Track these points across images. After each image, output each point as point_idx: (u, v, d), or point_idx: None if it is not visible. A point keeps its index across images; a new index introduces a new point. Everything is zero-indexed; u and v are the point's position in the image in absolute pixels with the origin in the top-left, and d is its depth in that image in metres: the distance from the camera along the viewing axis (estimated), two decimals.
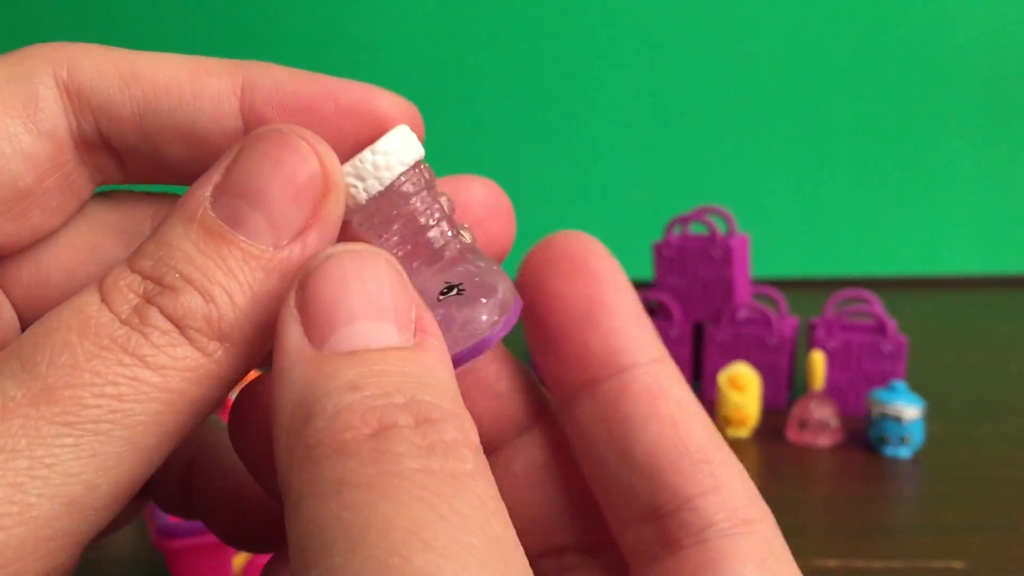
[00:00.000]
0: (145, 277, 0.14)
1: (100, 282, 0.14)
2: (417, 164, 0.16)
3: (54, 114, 0.16)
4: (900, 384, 0.63)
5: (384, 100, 0.17)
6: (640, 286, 0.85)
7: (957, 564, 0.47)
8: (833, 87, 1.31)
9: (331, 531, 0.11)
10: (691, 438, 0.16)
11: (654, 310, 0.78)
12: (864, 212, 1.34)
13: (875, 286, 0.83)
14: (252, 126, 0.16)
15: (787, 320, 0.74)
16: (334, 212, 0.15)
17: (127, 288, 0.14)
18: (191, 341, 0.14)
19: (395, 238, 0.16)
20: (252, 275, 0.14)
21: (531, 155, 1.38)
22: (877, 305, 0.70)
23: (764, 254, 1.03)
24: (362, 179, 0.16)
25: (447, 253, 0.16)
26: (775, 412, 0.70)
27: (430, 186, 0.16)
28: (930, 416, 0.65)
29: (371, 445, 0.12)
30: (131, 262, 0.15)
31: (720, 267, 0.74)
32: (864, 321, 0.72)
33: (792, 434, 0.66)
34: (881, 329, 0.70)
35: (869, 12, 1.29)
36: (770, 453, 0.64)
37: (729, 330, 0.73)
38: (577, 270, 0.17)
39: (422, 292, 0.16)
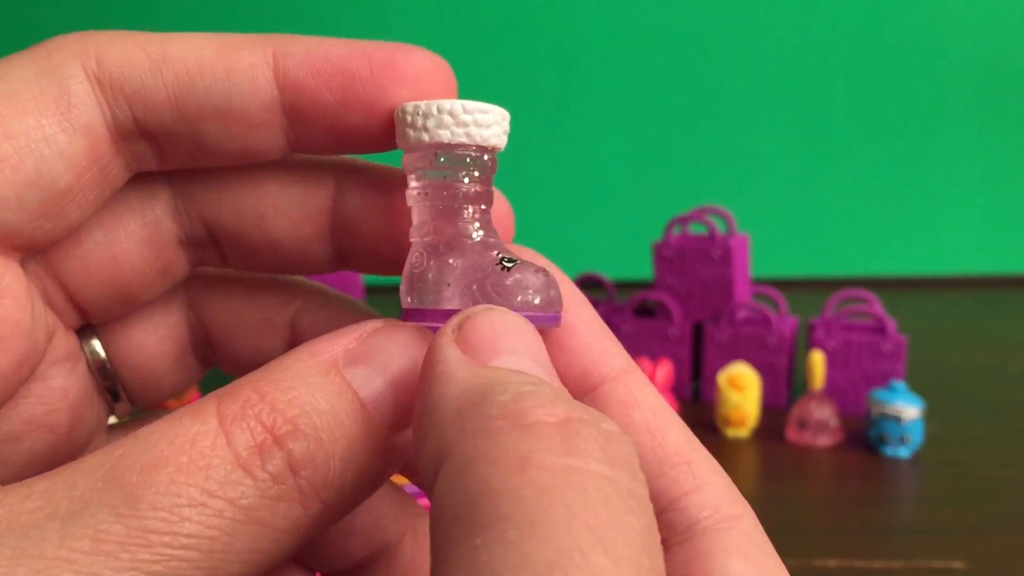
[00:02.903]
0: (277, 411, 0.14)
1: (219, 403, 0.14)
2: (496, 150, 0.17)
3: (88, 109, 0.16)
4: (900, 384, 0.63)
5: (417, 56, 0.17)
6: (640, 286, 0.85)
7: (957, 564, 0.47)
8: (833, 87, 1.31)
9: (509, 504, 0.11)
10: (668, 442, 0.16)
11: (654, 310, 0.78)
12: (864, 212, 1.34)
13: (875, 286, 0.83)
14: (288, 95, 0.16)
15: (787, 320, 0.74)
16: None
17: (256, 420, 0.14)
18: (300, 491, 0.13)
19: (442, 192, 0.17)
20: (367, 457, 0.14)
21: (531, 155, 1.38)
22: (877, 305, 0.70)
23: (764, 254, 1.03)
24: (462, 125, 0.16)
25: (477, 235, 0.17)
26: (775, 412, 0.70)
27: (492, 175, 0.17)
28: (929, 416, 0.65)
29: (559, 435, 0.11)
30: (262, 391, 0.14)
31: (720, 267, 0.74)
32: (864, 321, 0.72)
33: (792, 434, 0.66)
34: (881, 329, 0.70)
35: (869, 12, 1.29)
36: (770, 453, 0.64)
37: (729, 330, 0.73)
38: None
39: (511, 255, 0.16)
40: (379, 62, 0.16)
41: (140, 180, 0.18)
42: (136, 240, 0.19)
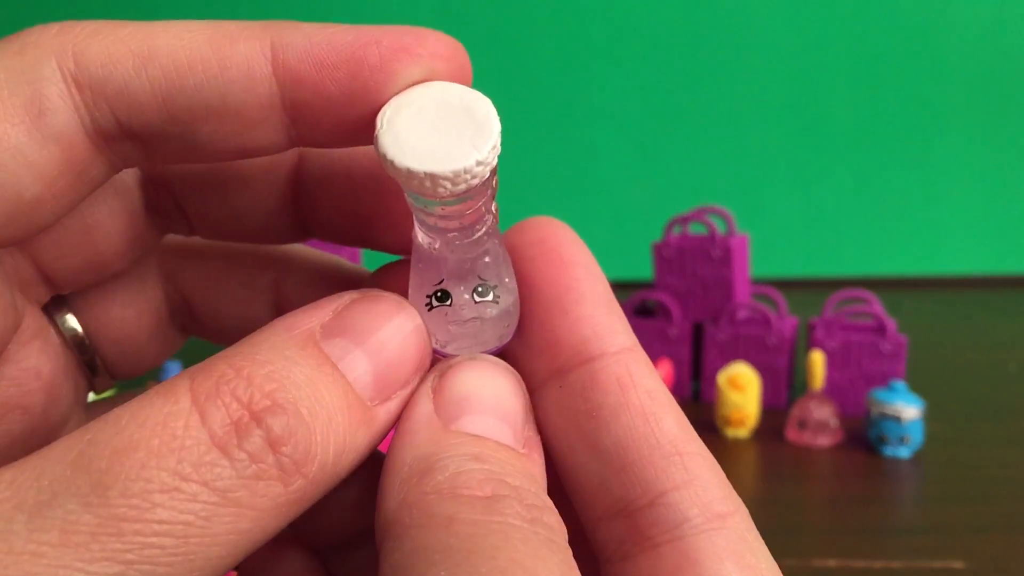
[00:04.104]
0: (254, 386, 0.13)
1: (192, 381, 0.13)
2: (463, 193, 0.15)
3: (62, 114, 0.14)
4: (899, 384, 0.63)
5: (431, 38, 0.16)
6: (640, 286, 0.85)
7: (957, 564, 0.47)
8: (833, 87, 1.31)
9: (438, 553, 0.12)
10: (662, 430, 0.15)
11: (654, 310, 0.78)
12: (864, 212, 1.34)
13: (875, 286, 0.83)
14: (289, 89, 0.15)
15: (787, 320, 0.74)
16: (414, 385, 0.16)
17: (232, 396, 0.13)
18: (280, 468, 0.13)
19: (419, 215, 0.16)
20: (347, 429, 0.14)
21: (531, 155, 1.38)
22: (876, 305, 0.70)
23: (764, 254, 1.03)
24: (455, 184, 0.14)
25: (480, 232, 0.16)
26: (775, 412, 0.70)
27: (494, 172, 0.16)
28: (930, 416, 0.65)
29: (483, 503, 0.13)
30: (237, 366, 0.13)
31: (720, 267, 0.74)
32: (863, 321, 0.72)
33: (792, 434, 0.66)
34: (880, 329, 0.70)
35: (869, 12, 1.29)
36: (770, 453, 0.64)
37: (729, 330, 0.73)
38: (547, 256, 0.17)
39: (453, 277, 0.16)
40: (389, 48, 0.15)
41: None
42: (108, 209, 0.18)
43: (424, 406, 0.15)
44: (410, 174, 0.14)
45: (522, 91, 1.38)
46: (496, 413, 0.15)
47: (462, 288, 0.16)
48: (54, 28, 0.15)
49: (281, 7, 1.41)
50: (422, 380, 0.15)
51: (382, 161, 0.15)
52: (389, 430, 0.15)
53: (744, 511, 0.15)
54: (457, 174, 0.14)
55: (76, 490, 0.12)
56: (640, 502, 0.15)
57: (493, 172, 0.16)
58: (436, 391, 0.15)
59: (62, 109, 0.14)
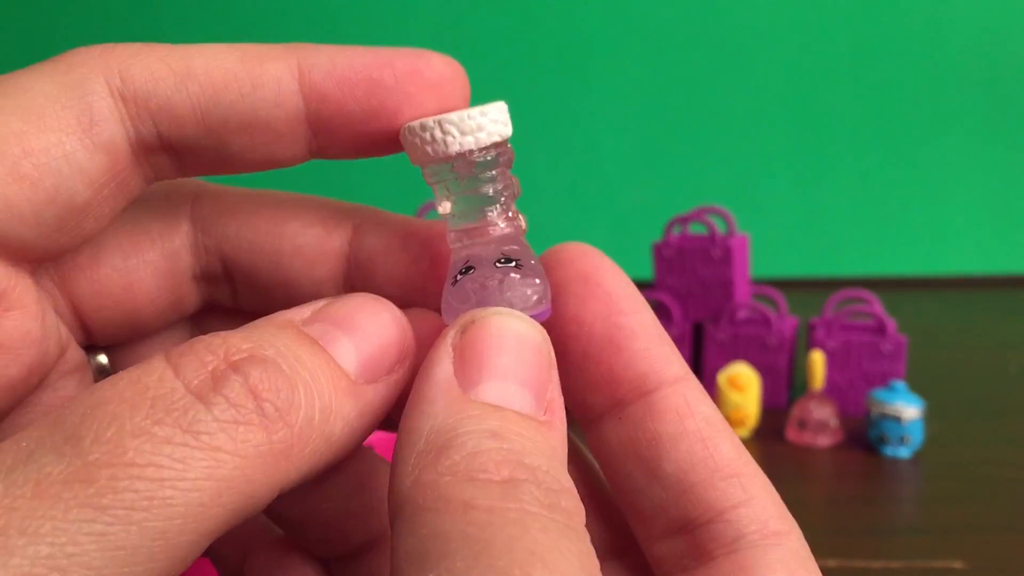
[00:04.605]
0: (230, 344, 0.14)
1: (168, 353, 0.13)
2: (506, 140, 0.17)
3: (110, 125, 0.16)
4: (900, 384, 0.63)
5: (437, 62, 0.17)
6: (640, 286, 0.85)
7: (957, 564, 0.47)
8: (833, 87, 1.31)
9: (454, 542, 0.12)
10: (720, 454, 0.16)
11: (654, 310, 0.78)
12: (864, 212, 1.34)
13: (875, 286, 0.83)
14: (313, 105, 0.16)
15: (787, 320, 0.74)
16: (405, 376, 0.16)
17: (207, 351, 0.13)
18: (262, 414, 0.13)
19: (463, 200, 0.17)
20: (331, 392, 0.14)
21: (531, 155, 1.38)
22: (877, 305, 0.70)
23: (764, 254, 1.03)
24: (463, 132, 0.16)
25: (502, 230, 0.17)
26: (775, 412, 0.70)
27: (508, 165, 0.17)
28: (930, 416, 0.65)
29: (499, 488, 0.13)
30: (217, 332, 0.14)
31: (720, 267, 0.74)
32: (864, 321, 0.72)
33: (792, 434, 0.66)
34: (881, 329, 0.70)
35: (869, 12, 1.29)
36: (770, 453, 0.64)
37: (729, 330, 0.73)
38: (593, 293, 0.17)
39: (479, 257, 0.17)
40: (402, 70, 0.17)
41: (163, 211, 0.19)
42: (153, 270, 0.19)
43: (443, 367, 0.14)
44: (422, 127, 0.16)
45: (522, 91, 1.38)
46: (518, 378, 0.14)
47: (486, 261, 0.17)
48: (97, 49, 0.16)
49: (283, 10, 1.41)
50: (440, 338, 0.15)
51: (401, 138, 0.17)
52: (380, 410, 0.15)
53: (799, 531, 0.16)
54: (462, 119, 0.16)
55: (51, 445, 0.12)
56: (700, 520, 0.16)
57: (507, 156, 0.17)
58: (457, 349, 0.15)
59: (111, 121, 0.16)
